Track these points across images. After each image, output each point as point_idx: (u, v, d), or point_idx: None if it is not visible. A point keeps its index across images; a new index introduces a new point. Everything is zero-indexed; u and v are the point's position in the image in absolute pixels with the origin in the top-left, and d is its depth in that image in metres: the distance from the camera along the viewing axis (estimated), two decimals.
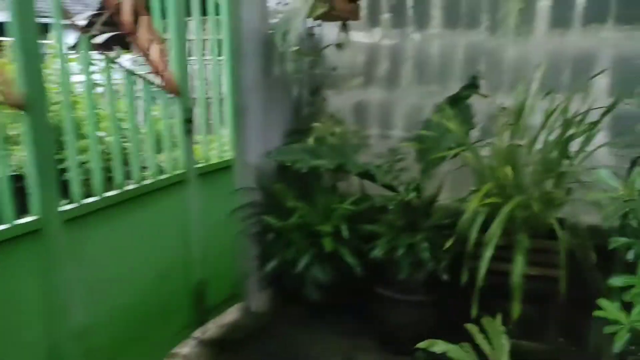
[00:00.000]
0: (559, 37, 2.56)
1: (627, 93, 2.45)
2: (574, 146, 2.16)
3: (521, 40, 2.64)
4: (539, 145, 2.22)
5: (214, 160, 2.55)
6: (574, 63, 2.54)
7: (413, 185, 2.29)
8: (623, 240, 1.34)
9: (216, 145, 2.58)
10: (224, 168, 2.58)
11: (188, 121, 2.27)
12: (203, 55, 2.45)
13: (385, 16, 3.01)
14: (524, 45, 2.64)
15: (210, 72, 2.50)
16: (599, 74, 2.16)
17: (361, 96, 3.14)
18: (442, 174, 2.58)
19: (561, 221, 2.21)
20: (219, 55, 2.54)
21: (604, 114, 2.03)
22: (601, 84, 2.50)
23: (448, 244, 2.08)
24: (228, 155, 2.62)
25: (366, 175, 2.47)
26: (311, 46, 3.03)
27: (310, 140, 2.69)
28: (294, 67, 2.42)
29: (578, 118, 2.14)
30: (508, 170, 2.15)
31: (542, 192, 2.03)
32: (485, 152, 2.44)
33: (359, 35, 3.11)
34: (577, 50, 2.53)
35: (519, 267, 1.97)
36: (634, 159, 2.08)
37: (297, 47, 2.32)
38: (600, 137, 2.28)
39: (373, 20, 3.04)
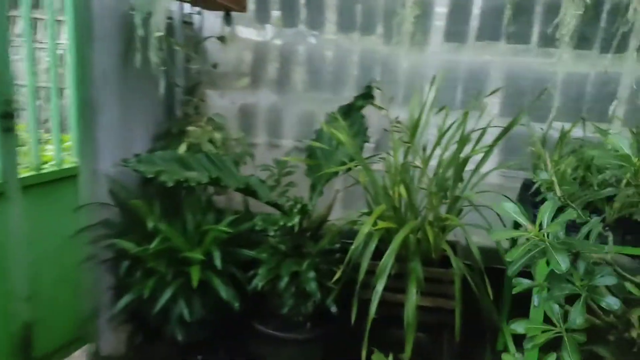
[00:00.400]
0: (454, 52, 2.47)
1: (518, 112, 2.43)
2: (468, 165, 2.04)
3: (416, 51, 2.51)
4: (433, 163, 2.07)
5: (50, 167, 2.00)
6: (467, 78, 2.46)
7: (299, 205, 1.98)
8: (527, 283, 1.15)
9: (54, 148, 2.02)
10: (64, 178, 2.03)
11: (7, 116, 1.71)
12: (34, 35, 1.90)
13: (276, 13, 2.70)
14: (419, 56, 2.51)
15: (48, 57, 1.95)
16: (495, 91, 2.06)
17: (247, 99, 2.78)
18: (335, 190, 2.33)
19: (453, 245, 2.08)
20: (61, 37, 2.00)
21: (500, 136, 1.91)
22: (492, 101, 2.45)
23: (338, 274, 1.81)
24: (71, 162, 2.08)
25: (248, 191, 2.11)
26: (188, 36, 2.60)
27: (182, 147, 2.26)
28: (162, 58, 1.98)
29: (472, 137, 2.02)
30: (402, 190, 1.95)
31: (436, 217, 1.85)
32: (379, 167, 2.24)
33: (247, 31, 2.76)
34: (471, 66, 2.45)
35: (412, 299, 1.77)
36: (526, 182, 2.02)
37: (163, 34, 1.89)
38: (491, 157, 2.21)
39: (263, 16, 2.70)
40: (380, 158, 2.52)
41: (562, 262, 0.98)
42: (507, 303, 2.11)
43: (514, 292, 1.22)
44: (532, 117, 2.37)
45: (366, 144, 2.46)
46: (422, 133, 2.11)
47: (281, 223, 1.86)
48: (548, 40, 2.21)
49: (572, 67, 2.23)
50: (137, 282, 2.05)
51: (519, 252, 1.04)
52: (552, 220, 1.10)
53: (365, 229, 1.81)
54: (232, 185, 2.06)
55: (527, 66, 2.34)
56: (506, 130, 1.88)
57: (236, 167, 2.29)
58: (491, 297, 1.90)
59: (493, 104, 2.47)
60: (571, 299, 1.14)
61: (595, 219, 1.09)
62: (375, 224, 1.84)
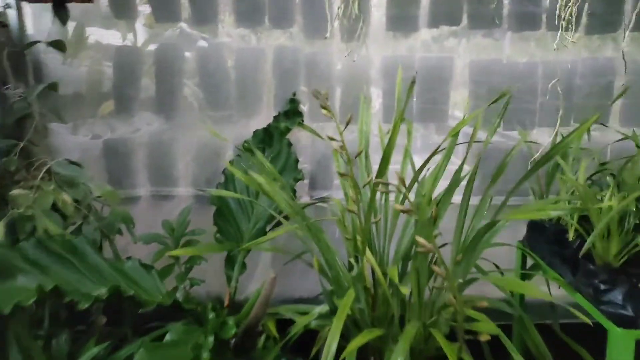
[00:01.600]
0: (403, 42, 1.82)
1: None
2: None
3: (352, 46, 1.82)
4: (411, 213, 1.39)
5: None
6: (423, 79, 1.82)
7: (225, 321, 1.17)
8: None
9: None
10: None
11: None
12: None
13: (145, 7, 1.85)
14: (357, 53, 1.82)
15: None
16: (501, 97, 1.39)
17: (116, 130, 1.90)
18: (270, 276, 1.52)
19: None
20: None
21: (542, 163, 1.24)
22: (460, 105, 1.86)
23: None
24: None
25: (121, 297, 1.25)
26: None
27: None
28: None
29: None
30: (373, 261, 1.23)
31: (441, 303, 1.16)
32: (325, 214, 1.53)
33: (103, 33, 1.87)
34: (427, 60, 1.82)
35: None
36: (533, 221, 1.42)
37: None
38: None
39: (125, 12, 1.84)
40: (318, 199, 1.81)
41: None
42: None
43: None
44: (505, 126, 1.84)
45: (299, 183, 1.73)
46: (385, 163, 1.41)
47: None
48: (527, 23, 1.66)
49: (562, 55, 1.69)
50: None
51: None
52: None
53: (332, 346, 1.06)
54: (90, 294, 1.19)
55: (499, 56, 1.77)
56: (555, 150, 1.19)
57: (99, 250, 1.41)
58: None
59: (459, 108, 1.88)
60: None
61: None
62: (345, 326, 1.11)
